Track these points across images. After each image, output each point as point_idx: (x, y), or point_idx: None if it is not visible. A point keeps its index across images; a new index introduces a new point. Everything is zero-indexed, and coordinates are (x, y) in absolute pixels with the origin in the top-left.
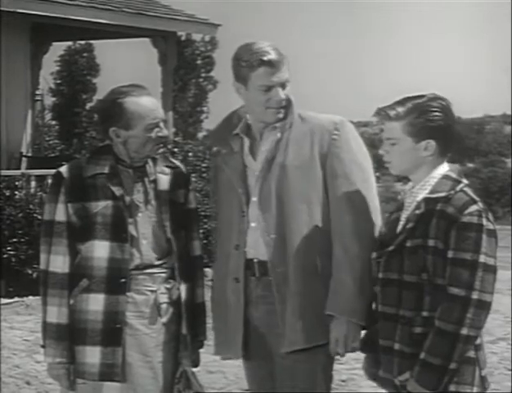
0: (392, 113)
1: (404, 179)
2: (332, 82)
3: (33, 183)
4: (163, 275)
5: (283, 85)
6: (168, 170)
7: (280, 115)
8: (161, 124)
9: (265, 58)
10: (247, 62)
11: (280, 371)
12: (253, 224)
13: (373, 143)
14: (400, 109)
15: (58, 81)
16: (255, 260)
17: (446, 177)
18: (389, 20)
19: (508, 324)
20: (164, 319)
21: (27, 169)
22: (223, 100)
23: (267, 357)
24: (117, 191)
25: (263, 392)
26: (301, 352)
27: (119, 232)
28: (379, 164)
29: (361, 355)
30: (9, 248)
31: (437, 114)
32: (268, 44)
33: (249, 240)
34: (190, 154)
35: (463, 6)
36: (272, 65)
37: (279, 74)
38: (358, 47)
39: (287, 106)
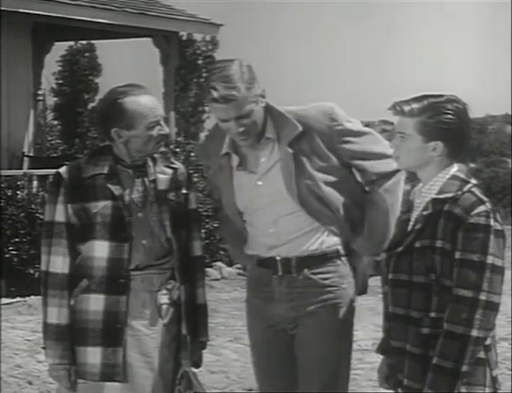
0: (406, 109)
1: (407, 179)
2: (333, 82)
3: (35, 183)
4: (164, 275)
5: (238, 118)
6: (168, 170)
7: (250, 141)
8: (162, 122)
9: (210, 96)
10: (204, 93)
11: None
12: (270, 230)
13: None
14: (415, 106)
15: (60, 81)
16: (277, 258)
17: (454, 177)
18: (390, 20)
19: (509, 324)
20: (165, 320)
21: (29, 168)
22: None
23: (285, 356)
24: (116, 190)
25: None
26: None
27: (118, 231)
28: None
29: (362, 355)
30: (11, 248)
31: (450, 116)
32: (228, 72)
33: (266, 243)
34: (192, 154)
35: (464, 5)
36: (218, 102)
37: (230, 109)
38: (360, 46)
39: (264, 124)
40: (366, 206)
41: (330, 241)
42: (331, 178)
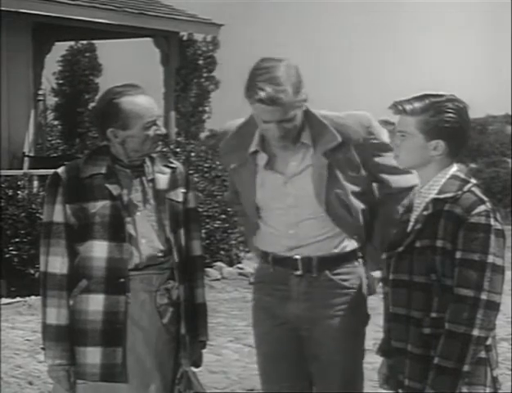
0: (408, 107)
1: None
2: (334, 81)
3: (35, 183)
4: (163, 275)
5: (281, 122)
6: (166, 170)
7: (285, 144)
8: (158, 122)
9: (257, 96)
10: (247, 91)
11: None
12: (291, 232)
13: None
14: (417, 104)
15: (60, 81)
16: (298, 257)
17: (454, 177)
18: (390, 20)
19: (509, 324)
20: (164, 320)
21: (29, 168)
22: (225, 100)
23: (293, 355)
24: (114, 190)
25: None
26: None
27: (117, 231)
28: None
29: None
30: (11, 248)
31: (452, 115)
32: (276, 74)
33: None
34: (192, 154)
35: (466, 5)
36: (265, 103)
37: (274, 112)
38: (361, 46)
39: (302, 127)
40: (379, 218)
41: (350, 245)
42: (357, 189)
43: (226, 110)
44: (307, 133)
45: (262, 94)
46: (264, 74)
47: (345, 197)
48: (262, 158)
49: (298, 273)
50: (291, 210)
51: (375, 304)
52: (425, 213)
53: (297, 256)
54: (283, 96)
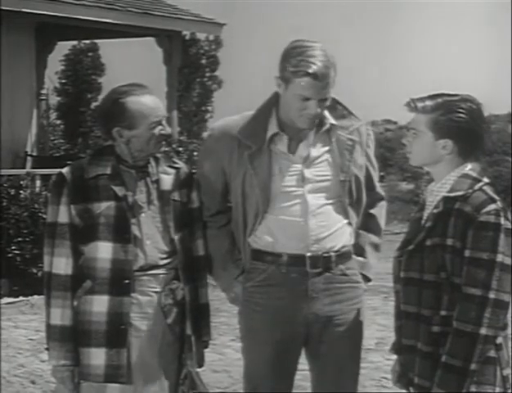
0: (420, 105)
1: (408, 179)
2: (339, 81)
3: (38, 183)
4: (168, 276)
5: (321, 100)
6: (170, 170)
7: (313, 125)
8: (164, 122)
9: (310, 70)
10: (293, 67)
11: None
12: (308, 220)
13: (378, 142)
14: (429, 103)
15: (63, 80)
16: (315, 254)
17: (465, 176)
18: (391, 18)
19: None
20: (169, 320)
21: (32, 168)
22: (228, 99)
23: (296, 356)
24: (119, 191)
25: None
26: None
27: (122, 232)
28: (385, 164)
29: (366, 355)
30: (14, 247)
31: (462, 115)
32: (320, 52)
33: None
34: (194, 153)
35: (467, 4)
36: (316, 78)
37: (320, 88)
38: (361, 46)
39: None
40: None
41: (351, 238)
42: (363, 175)
43: (229, 109)
44: (329, 117)
45: (314, 67)
46: (308, 51)
47: (360, 183)
48: (281, 141)
49: (318, 270)
50: (309, 197)
51: (377, 304)
52: (436, 211)
53: (311, 254)
54: (331, 72)
